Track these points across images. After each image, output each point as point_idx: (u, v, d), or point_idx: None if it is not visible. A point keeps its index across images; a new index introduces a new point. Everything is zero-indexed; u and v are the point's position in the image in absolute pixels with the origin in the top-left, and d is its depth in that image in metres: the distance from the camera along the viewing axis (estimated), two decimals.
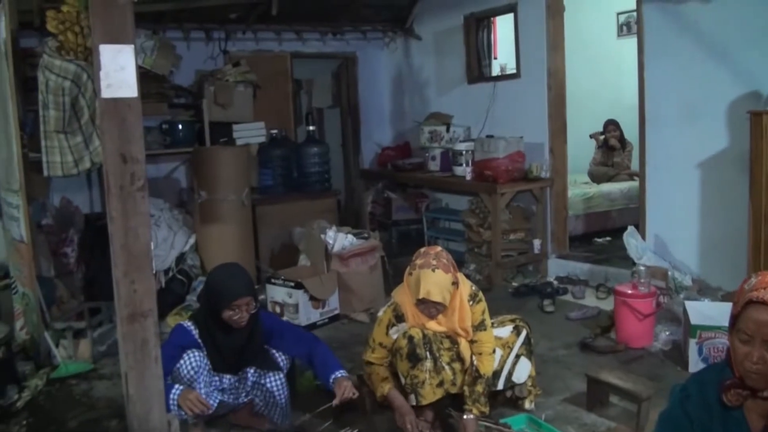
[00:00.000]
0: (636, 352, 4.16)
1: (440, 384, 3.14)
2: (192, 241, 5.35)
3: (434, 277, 3.02)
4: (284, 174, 6.26)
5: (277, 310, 4.92)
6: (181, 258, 5.24)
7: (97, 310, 4.67)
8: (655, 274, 4.70)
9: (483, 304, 3.23)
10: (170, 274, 5.16)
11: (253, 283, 3.34)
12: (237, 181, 5.47)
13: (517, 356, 3.32)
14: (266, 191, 6.22)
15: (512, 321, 3.41)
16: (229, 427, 3.33)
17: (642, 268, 4.44)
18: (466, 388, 3.15)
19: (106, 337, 4.49)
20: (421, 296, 3.01)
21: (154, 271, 2.31)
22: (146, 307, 2.32)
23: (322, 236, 5.14)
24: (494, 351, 3.25)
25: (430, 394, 3.12)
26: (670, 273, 4.78)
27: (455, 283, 3.09)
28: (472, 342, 3.19)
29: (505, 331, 3.35)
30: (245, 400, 3.24)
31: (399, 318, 3.21)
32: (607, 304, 5.06)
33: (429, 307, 3.07)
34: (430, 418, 3.21)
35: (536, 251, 5.93)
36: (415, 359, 3.09)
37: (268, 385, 3.18)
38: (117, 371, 3.89)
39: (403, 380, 3.15)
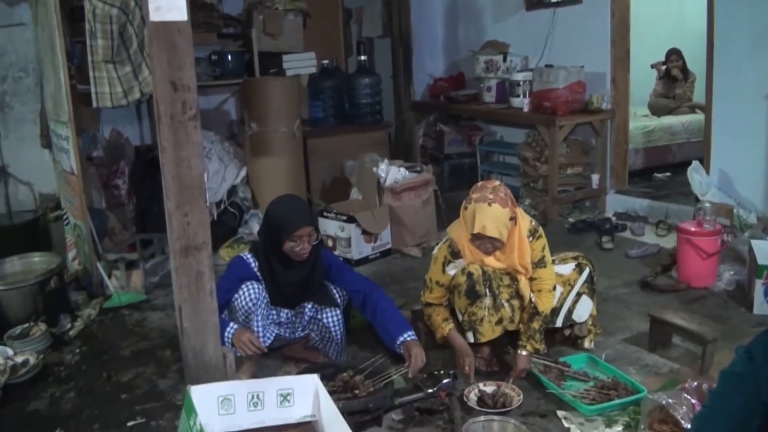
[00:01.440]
0: (698, 292, 4.01)
1: (499, 321, 3.06)
2: (243, 173, 5.31)
3: (490, 211, 2.91)
4: (335, 106, 6.13)
5: (330, 243, 4.87)
6: (232, 191, 5.22)
7: (149, 242, 4.69)
8: (720, 211, 4.49)
9: (543, 240, 3.11)
10: (222, 206, 5.15)
11: (313, 213, 3.27)
12: (287, 112, 5.37)
13: (579, 294, 3.21)
14: (317, 123, 6.11)
15: (575, 258, 3.28)
16: (283, 360, 3.32)
17: (707, 204, 4.25)
18: (522, 324, 3.08)
19: (159, 268, 4.52)
20: (476, 231, 2.91)
21: (207, 203, 2.24)
22: (200, 239, 2.26)
23: (374, 169, 5.03)
24: (554, 288, 3.14)
25: (489, 332, 3.04)
26: (735, 210, 4.56)
27: (513, 219, 2.98)
28: (531, 279, 3.10)
29: (567, 269, 3.23)
30: (301, 334, 3.22)
31: (455, 254, 3.11)
32: (668, 242, 4.90)
33: (485, 243, 2.97)
34: (487, 356, 3.15)
35: (594, 186, 5.74)
36: (474, 296, 3.00)
37: (325, 320, 3.14)
38: (169, 302, 3.91)
39: (460, 317, 3.08)
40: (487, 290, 3.02)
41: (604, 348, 3.34)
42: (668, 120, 6.91)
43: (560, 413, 2.77)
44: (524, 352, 3.04)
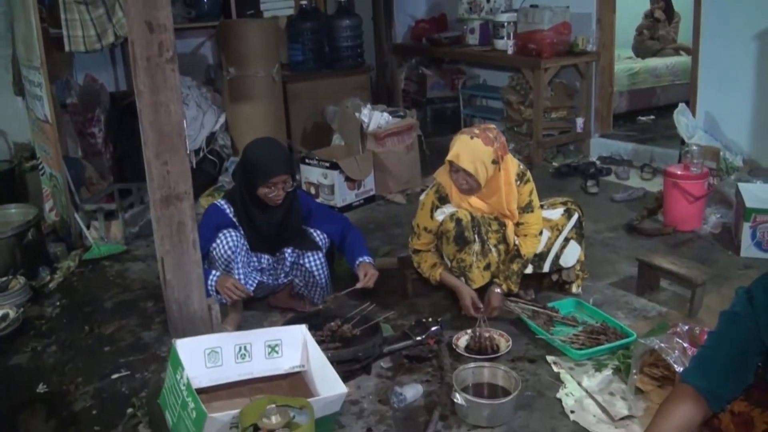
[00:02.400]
0: (684, 236, 4.01)
1: (487, 267, 3.03)
2: (222, 120, 5.18)
3: (470, 143, 2.89)
4: (315, 49, 5.95)
5: (312, 191, 4.80)
6: (211, 138, 5.09)
7: (128, 192, 4.58)
8: (706, 154, 4.46)
9: (531, 185, 3.07)
10: (201, 154, 5.03)
11: (292, 160, 3.19)
12: (266, 56, 5.22)
13: (566, 239, 3.18)
14: (296, 67, 5.95)
15: (563, 204, 3.24)
16: (268, 310, 3.28)
17: (694, 147, 4.22)
18: (501, 264, 3.07)
19: (138, 218, 4.43)
20: (449, 158, 2.90)
21: (187, 151, 2.16)
22: (181, 189, 2.18)
23: (357, 115, 4.93)
24: (541, 233, 3.12)
25: (479, 278, 3.02)
26: (721, 153, 4.53)
27: (496, 163, 2.93)
28: (517, 224, 3.06)
29: (556, 214, 3.19)
30: (285, 281, 3.16)
31: (443, 200, 3.06)
32: (653, 186, 4.88)
33: (459, 177, 2.94)
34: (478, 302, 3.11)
35: (579, 130, 5.68)
36: (462, 242, 2.96)
37: (308, 264, 3.09)
38: (150, 253, 3.84)
39: (449, 263, 3.04)
40: (476, 236, 2.99)
41: (592, 293, 3.33)
42: (653, 62, 6.83)
43: (549, 358, 2.76)
44: (497, 290, 3.04)
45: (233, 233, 2.92)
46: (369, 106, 5.02)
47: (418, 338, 2.83)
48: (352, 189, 4.75)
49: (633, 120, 6.47)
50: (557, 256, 3.18)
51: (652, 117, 6.56)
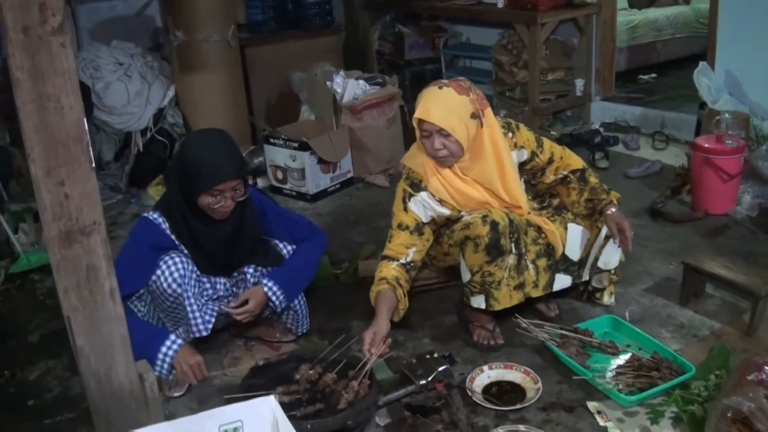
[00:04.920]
0: (718, 220, 3.43)
1: (519, 286, 2.43)
2: (171, 93, 4.44)
3: (440, 94, 2.29)
4: (276, 6, 5.17)
5: (279, 175, 4.12)
6: (160, 115, 4.36)
7: None
8: (734, 121, 3.86)
9: (525, 129, 2.53)
10: (149, 135, 4.31)
11: (244, 160, 2.48)
12: (220, 16, 4.44)
13: (606, 237, 2.57)
14: (256, 29, 5.16)
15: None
16: (228, 343, 2.63)
17: (726, 116, 3.61)
18: (581, 194, 2.55)
19: None
20: (417, 115, 2.28)
21: (93, 164, 1.48)
22: (87, 219, 1.50)
23: (328, 84, 4.23)
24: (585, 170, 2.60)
25: (506, 299, 2.40)
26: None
27: (477, 117, 2.32)
28: (548, 166, 2.55)
29: None
30: None
31: (416, 186, 2.46)
32: (668, 157, 4.30)
33: (434, 142, 2.30)
34: (488, 325, 2.50)
35: (578, 93, 5.04)
36: (496, 252, 2.34)
37: None
38: None
39: (468, 276, 2.41)
40: (513, 245, 2.36)
41: (626, 302, 2.74)
42: (652, 13, 6.20)
43: (591, 405, 2.16)
44: (613, 209, 2.48)
45: (178, 260, 2.22)
46: (342, 73, 4.32)
47: (422, 382, 2.22)
48: (327, 172, 4.08)
49: (633, 79, 5.87)
50: (596, 259, 2.57)
51: (653, 75, 5.96)
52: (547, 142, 2.56)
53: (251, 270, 2.46)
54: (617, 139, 4.64)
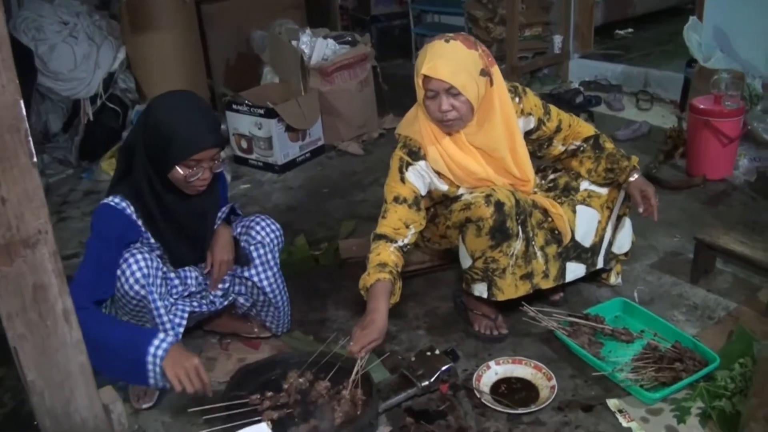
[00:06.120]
0: (716, 186, 3.26)
1: (527, 276, 2.17)
2: (122, 56, 4.05)
3: (447, 48, 2.02)
4: None
5: (244, 145, 3.80)
6: (110, 80, 3.97)
7: None
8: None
9: (532, 94, 2.30)
10: (99, 102, 3.92)
11: (220, 124, 2.14)
12: None
13: (619, 217, 2.35)
14: None
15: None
16: (200, 339, 2.35)
17: (725, 75, 3.40)
18: (597, 162, 2.32)
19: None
20: (423, 70, 2.00)
21: (34, 158, 1.18)
22: (31, 227, 1.21)
23: (294, 43, 3.90)
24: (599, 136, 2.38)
25: (511, 288, 2.16)
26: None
27: (486, 75, 2.06)
28: (555, 135, 2.32)
29: (603, 188, 2.35)
30: (224, 303, 2.20)
31: (414, 155, 2.16)
32: (654, 117, 4.12)
33: (442, 103, 2.03)
34: (491, 314, 2.27)
35: (557, 51, 4.80)
36: (501, 237, 2.08)
37: (255, 278, 2.15)
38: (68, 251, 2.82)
39: (469, 262, 2.16)
40: (520, 228, 2.11)
41: (632, 281, 2.54)
42: None
43: (612, 403, 1.96)
44: (636, 175, 2.28)
45: (140, 257, 1.89)
46: (309, 31, 3.98)
47: (424, 383, 1.98)
48: (296, 140, 3.77)
49: (610, 35, 5.63)
50: (610, 243, 2.35)
51: (630, 30, 5.73)
52: (553, 109, 2.32)
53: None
54: (599, 99, 4.42)
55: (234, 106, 3.76)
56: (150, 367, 1.74)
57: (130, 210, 1.99)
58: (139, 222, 2.00)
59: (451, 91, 2.01)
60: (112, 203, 1.98)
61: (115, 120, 3.94)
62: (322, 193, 3.46)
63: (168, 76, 3.97)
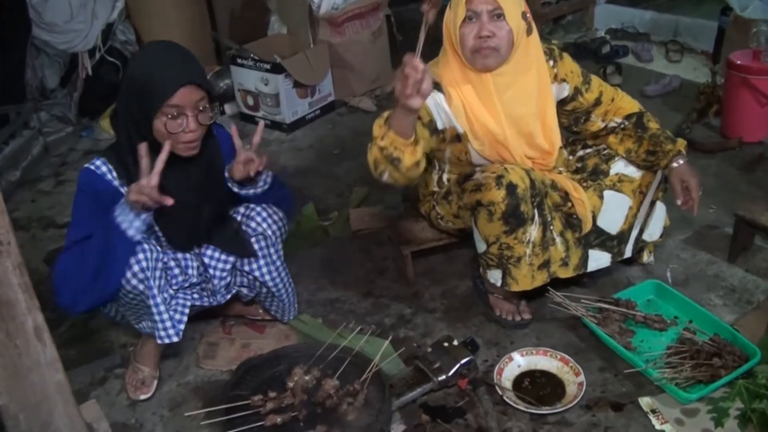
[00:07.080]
0: (753, 150, 3.06)
1: (544, 265, 1.99)
2: (120, 5, 3.81)
3: None
4: None
5: (250, 101, 3.60)
6: (109, 32, 3.75)
7: (4, 120, 3.33)
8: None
9: (568, 57, 2.09)
10: (97, 56, 3.72)
11: (202, 68, 1.88)
12: None
13: (652, 203, 2.16)
14: None
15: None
16: (204, 321, 2.20)
17: (765, 28, 3.15)
18: (641, 147, 2.11)
19: (20, 156, 3.26)
20: None
21: None
22: None
23: None
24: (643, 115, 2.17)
25: (526, 279, 1.98)
26: None
27: (526, 19, 1.92)
28: (594, 109, 2.12)
29: (633, 170, 2.14)
30: (225, 297, 2.04)
31: (434, 84, 1.78)
32: (685, 70, 3.87)
33: (483, 27, 1.83)
34: (513, 299, 2.11)
35: None
36: (516, 221, 1.90)
37: (256, 272, 1.98)
38: (39, 214, 2.70)
39: (483, 246, 1.99)
40: (536, 211, 1.92)
41: (665, 258, 2.37)
42: None
43: (644, 402, 1.81)
44: (681, 161, 2.06)
45: (138, 247, 1.72)
46: None
47: (441, 377, 1.84)
48: (304, 97, 3.57)
49: None
50: (641, 231, 2.17)
51: None
52: (595, 80, 2.10)
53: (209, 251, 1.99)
54: (627, 49, 4.16)
55: (239, 60, 3.54)
56: (120, 220, 1.70)
57: (112, 175, 1.80)
58: (123, 190, 1.80)
59: (495, 12, 1.83)
60: (93, 167, 1.79)
61: (115, 74, 3.73)
62: (333, 155, 3.28)
63: (169, 27, 3.75)
